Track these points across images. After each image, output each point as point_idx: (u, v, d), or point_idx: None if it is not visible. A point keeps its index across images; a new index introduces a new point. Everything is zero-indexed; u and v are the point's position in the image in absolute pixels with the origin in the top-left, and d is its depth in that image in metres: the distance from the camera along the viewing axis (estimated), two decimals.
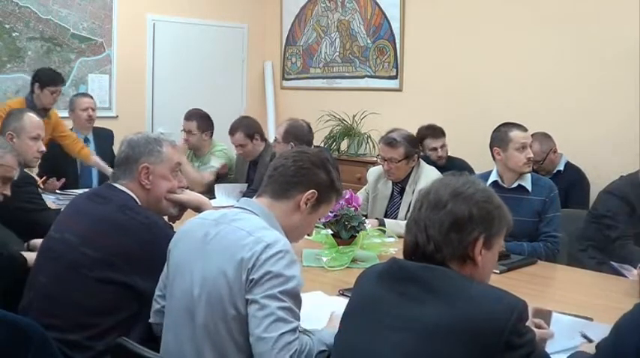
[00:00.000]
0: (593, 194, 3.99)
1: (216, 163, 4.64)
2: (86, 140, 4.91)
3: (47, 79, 4.54)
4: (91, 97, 5.01)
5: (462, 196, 1.49)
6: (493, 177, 3.29)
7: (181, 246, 1.90)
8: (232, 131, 4.41)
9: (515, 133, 3.24)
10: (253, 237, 1.75)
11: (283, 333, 1.65)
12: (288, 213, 1.92)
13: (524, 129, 3.26)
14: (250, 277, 1.70)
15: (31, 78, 4.65)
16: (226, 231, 1.81)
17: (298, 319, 1.72)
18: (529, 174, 3.28)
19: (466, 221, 1.47)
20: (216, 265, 1.75)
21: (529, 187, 3.23)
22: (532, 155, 3.24)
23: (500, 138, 3.27)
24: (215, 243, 1.80)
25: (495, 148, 3.28)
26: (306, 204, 1.92)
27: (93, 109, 4.91)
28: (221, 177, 4.65)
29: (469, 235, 1.47)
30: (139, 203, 2.20)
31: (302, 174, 1.92)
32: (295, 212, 1.93)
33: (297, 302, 1.73)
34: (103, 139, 5.01)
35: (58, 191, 4.30)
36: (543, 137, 4.41)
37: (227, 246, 1.77)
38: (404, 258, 1.54)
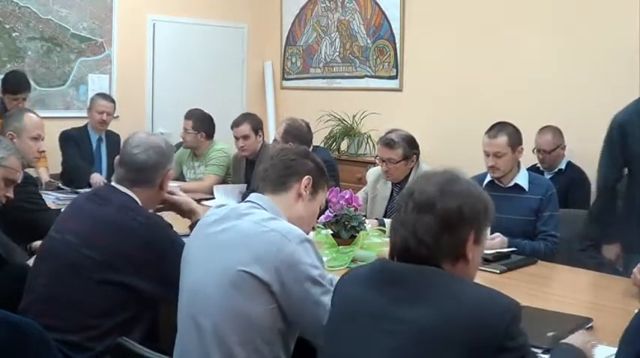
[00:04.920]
0: (594, 194, 3.98)
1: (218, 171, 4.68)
2: (99, 140, 4.94)
3: (8, 85, 4.54)
4: (112, 101, 4.98)
5: (449, 195, 1.45)
6: (490, 176, 3.28)
7: (191, 245, 1.94)
8: (238, 123, 4.39)
9: (483, 138, 3.26)
10: (269, 228, 1.79)
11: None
12: (291, 204, 1.97)
13: (492, 136, 3.20)
14: (281, 277, 1.73)
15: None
16: (239, 225, 1.83)
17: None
18: (526, 173, 3.27)
19: (456, 221, 1.44)
20: (230, 260, 1.76)
21: (525, 186, 3.22)
22: (494, 164, 3.19)
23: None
24: (228, 238, 1.82)
25: None
26: (306, 191, 1.99)
27: (108, 114, 4.91)
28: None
29: (461, 234, 1.45)
30: (140, 204, 2.20)
31: (292, 165, 2.00)
32: (297, 201, 1.98)
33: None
34: (113, 142, 4.96)
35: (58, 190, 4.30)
36: (556, 130, 4.39)
37: (242, 241, 1.78)
38: (389, 258, 1.51)
